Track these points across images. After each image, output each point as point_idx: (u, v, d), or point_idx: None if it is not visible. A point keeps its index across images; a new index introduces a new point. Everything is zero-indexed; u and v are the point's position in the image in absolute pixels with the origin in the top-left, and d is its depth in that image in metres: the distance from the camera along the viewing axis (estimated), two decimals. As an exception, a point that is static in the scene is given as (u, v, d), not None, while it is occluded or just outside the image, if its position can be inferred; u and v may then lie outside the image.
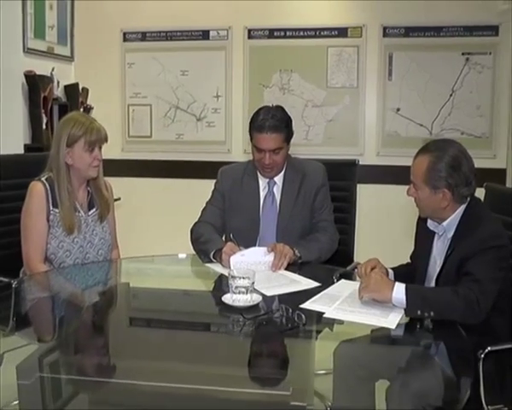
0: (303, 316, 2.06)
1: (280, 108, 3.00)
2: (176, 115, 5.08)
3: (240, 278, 2.22)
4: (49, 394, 1.71)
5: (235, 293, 2.22)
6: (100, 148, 2.80)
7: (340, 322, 2.18)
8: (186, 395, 1.67)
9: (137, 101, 5.10)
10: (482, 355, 2.12)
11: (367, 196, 4.33)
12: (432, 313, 2.09)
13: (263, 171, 3.01)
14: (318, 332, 2.20)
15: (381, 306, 2.18)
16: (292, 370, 1.87)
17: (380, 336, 2.13)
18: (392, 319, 2.09)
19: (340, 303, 2.24)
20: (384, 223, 4.77)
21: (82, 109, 4.63)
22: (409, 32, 4.69)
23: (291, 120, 3.00)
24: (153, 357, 1.91)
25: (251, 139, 2.99)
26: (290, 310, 2.11)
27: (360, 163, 3.53)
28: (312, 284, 2.53)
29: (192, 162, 5.03)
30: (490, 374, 2.13)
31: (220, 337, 2.23)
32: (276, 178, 3.04)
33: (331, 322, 2.17)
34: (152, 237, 4.87)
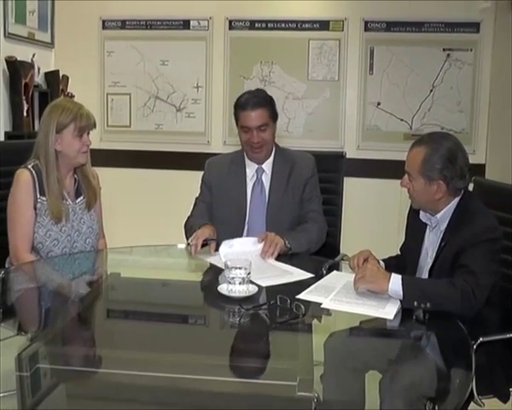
0: (302, 307, 2.06)
1: (261, 90, 3.06)
2: (155, 105, 5.01)
3: (236, 268, 2.21)
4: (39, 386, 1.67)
5: (231, 283, 2.20)
6: (88, 133, 2.76)
7: (329, 313, 2.18)
8: (191, 387, 1.65)
9: (116, 90, 5.02)
10: (474, 346, 2.15)
11: (349, 188, 4.34)
12: (428, 305, 2.10)
13: (252, 152, 2.98)
14: (316, 323, 2.19)
15: (377, 296, 2.18)
16: (296, 360, 1.85)
17: (372, 328, 2.13)
18: (389, 310, 2.10)
19: (335, 294, 2.25)
20: (367, 216, 4.80)
21: (62, 97, 4.53)
22: (390, 26, 4.70)
23: (274, 101, 3.01)
24: (160, 349, 1.89)
25: (236, 123, 2.98)
26: (288, 301, 2.10)
27: (342, 156, 3.55)
28: (305, 274, 2.52)
29: (171, 153, 4.97)
30: (481, 365, 2.15)
31: (220, 328, 2.22)
32: (264, 166, 3.02)
33: (326, 313, 2.18)
34: (131, 227, 4.79)
